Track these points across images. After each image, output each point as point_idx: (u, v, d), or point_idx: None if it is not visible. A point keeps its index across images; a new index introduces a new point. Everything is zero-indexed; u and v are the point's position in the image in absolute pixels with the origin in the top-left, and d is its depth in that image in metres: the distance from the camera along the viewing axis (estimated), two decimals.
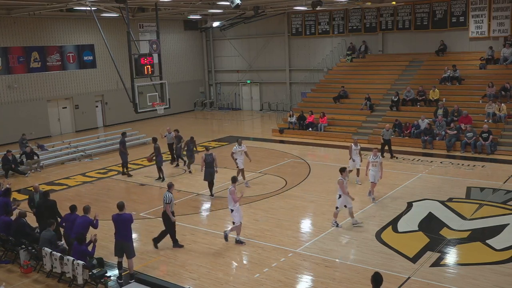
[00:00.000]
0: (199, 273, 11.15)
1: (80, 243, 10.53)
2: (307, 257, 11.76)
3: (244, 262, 11.84)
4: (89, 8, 22.00)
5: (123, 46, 25.85)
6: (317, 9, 24.86)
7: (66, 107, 30.90)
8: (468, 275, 10.56)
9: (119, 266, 10.97)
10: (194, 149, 20.18)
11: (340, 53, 32.59)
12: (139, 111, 19.99)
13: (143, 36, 33.64)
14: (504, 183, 16.98)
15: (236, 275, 11.13)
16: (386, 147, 20.84)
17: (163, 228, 12.54)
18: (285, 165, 20.83)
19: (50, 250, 10.91)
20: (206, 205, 16.26)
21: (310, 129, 26.54)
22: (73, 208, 11.70)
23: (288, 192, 17.01)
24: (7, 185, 14.24)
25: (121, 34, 29.97)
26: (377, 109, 26.63)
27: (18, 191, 18.31)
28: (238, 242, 12.61)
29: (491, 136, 21.11)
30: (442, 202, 15.13)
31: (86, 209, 11.34)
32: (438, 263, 11.20)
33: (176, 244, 12.56)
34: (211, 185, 16.58)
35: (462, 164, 19.75)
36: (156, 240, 12.61)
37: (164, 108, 20.82)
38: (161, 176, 19.03)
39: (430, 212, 14.32)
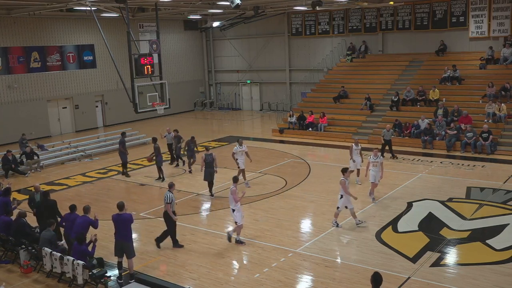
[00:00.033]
0: (199, 273, 11.15)
1: (80, 243, 10.53)
2: (307, 257, 11.76)
3: (244, 262, 11.84)
4: (89, 8, 22.00)
5: (123, 46, 25.84)
6: (317, 9, 24.82)
7: (66, 107, 30.90)
8: (468, 275, 10.56)
9: (119, 266, 10.97)
10: (195, 148, 20.26)
11: (340, 53, 32.58)
12: (139, 111, 20.01)
13: (143, 36, 33.63)
14: (504, 183, 16.98)
15: (236, 275, 11.13)
16: (386, 147, 20.84)
17: (165, 228, 12.55)
18: (285, 165, 20.83)
19: (50, 250, 10.91)
20: (206, 205, 16.26)
21: (310, 129, 26.53)
22: (72, 207, 11.70)
23: (288, 192, 17.01)
24: (7, 185, 14.25)
25: (121, 34, 29.96)
26: (377, 109, 26.63)
27: (18, 191, 18.30)
28: (238, 242, 12.61)
29: (491, 136, 21.12)
30: (442, 202, 15.13)
31: (86, 209, 11.33)
32: (438, 263, 11.20)
33: (176, 244, 12.56)
34: (211, 185, 16.60)
35: (462, 164, 19.75)
36: (159, 240, 12.63)
37: (164, 108, 20.83)
38: (161, 176, 19.05)
39: (430, 212, 14.32)
